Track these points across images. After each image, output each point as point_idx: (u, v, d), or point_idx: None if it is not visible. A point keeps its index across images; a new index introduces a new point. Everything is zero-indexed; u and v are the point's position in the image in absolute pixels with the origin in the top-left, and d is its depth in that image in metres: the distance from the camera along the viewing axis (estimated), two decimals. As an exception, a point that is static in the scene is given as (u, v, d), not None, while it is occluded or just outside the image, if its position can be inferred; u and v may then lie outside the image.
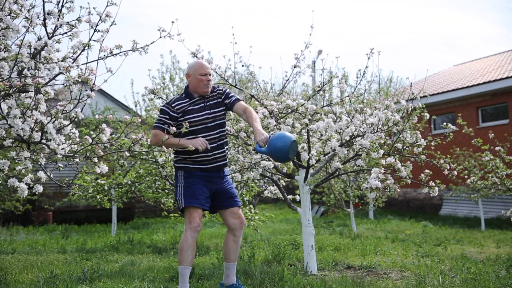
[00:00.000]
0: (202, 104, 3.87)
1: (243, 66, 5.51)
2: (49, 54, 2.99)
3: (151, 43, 3.32)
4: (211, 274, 4.64)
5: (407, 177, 4.42)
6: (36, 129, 2.98)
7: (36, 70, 3.02)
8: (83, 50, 3.07)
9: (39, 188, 3.08)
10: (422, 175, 4.28)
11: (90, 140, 3.20)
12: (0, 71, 2.88)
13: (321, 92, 5.08)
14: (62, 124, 3.08)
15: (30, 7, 3.15)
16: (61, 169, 3.40)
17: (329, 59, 17.22)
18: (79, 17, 3.12)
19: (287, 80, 5.33)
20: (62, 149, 3.13)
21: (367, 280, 4.43)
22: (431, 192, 4.30)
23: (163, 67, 15.43)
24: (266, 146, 3.65)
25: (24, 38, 3.00)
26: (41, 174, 3.11)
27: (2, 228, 10.21)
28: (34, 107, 2.98)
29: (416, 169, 5.73)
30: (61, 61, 2.97)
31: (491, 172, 6.65)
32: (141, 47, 3.26)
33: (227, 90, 4.01)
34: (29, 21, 3.05)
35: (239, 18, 53.82)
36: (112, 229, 9.17)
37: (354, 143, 4.77)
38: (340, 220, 12.26)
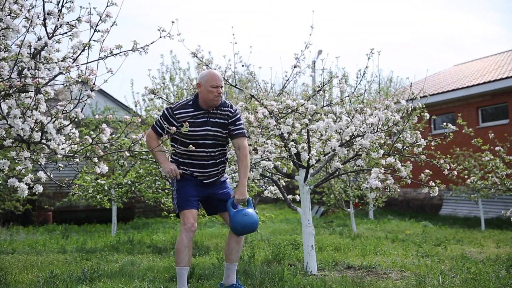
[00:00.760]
0: (205, 119, 3.78)
1: (243, 66, 5.51)
2: (49, 54, 2.99)
3: (151, 43, 3.31)
4: (211, 274, 4.64)
5: (407, 177, 4.42)
6: (36, 129, 2.98)
7: (36, 70, 3.02)
8: (83, 50, 3.07)
9: (39, 188, 3.07)
10: (422, 175, 4.28)
11: (90, 140, 3.20)
12: (0, 71, 2.88)
13: (321, 92, 5.08)
14: (62, 124, 3.08)
15: (30, 7, 3.15)
16: (61, 169, 3.40)
17: (329, 59, 17.22)
18: (79, 17, 3.12)
19: (287, 80, 5.33)
20: (62, 149, 3.13)
21: (367, 280, 4.43)
22: (431, 192, 4.30)
23: (163, 67, 15.43)
24: (237, 210, 3.74)
25: (24, 38, 3.00)
26: (41, 174, 3.11)
27: (2, 228, 10.21)
28: (34, 107, 2.98)
29: (416, 169, 5.73)
30: (61, 61, 2.97)
31: (491, 172, 6.65)
32: (141, 47, 3.25)
33: (238, 116, 3.87)
34: (29, 21, 3.05)
35: (239, 18, 53.81)
36: (112, 229, 9.16)
37: (354, 143, 4.77)
38: (340, 220, 12.26)
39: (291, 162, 5.23)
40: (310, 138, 4.89)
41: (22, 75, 2.93)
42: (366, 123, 4.69)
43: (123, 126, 10.96)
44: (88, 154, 3.20)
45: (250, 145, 4.87)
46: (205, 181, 3.84)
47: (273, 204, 18.13)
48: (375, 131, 4.68)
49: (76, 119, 3.10)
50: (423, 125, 10.31)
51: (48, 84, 3.04)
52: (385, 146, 4.89)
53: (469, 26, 49.94)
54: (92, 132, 3.29)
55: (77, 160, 3.26)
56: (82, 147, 3.22)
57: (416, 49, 46.80)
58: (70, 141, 3.23)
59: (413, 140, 4.70)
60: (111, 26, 3.15)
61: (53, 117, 3.00)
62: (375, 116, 4.70)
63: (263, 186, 5.76)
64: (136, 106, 13.87)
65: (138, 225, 11.31)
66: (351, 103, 5.34)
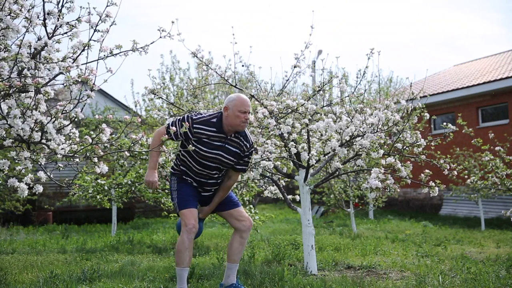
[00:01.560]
0: (221, 144, 3.70)
1: (243, 66, 5.51)
2: (49, 54, 2.99)
3: (151, 43, 3.31)
4: (211, 274, 4.64)
5: (407, 177, 4.42)
6: (36, 129, 2.98)
7: (36, 70, 3.02)
8: (83, 50, 3.07)
9: (39, 188, 3.07)
10: (422, 175, 4.28)
11: (90, 140, 3.20)
12: (0, 71, 2.88)
13: (321, 92, 5.08)
14: (62, 124, 3.08)
15: (30, 7, 3.15)
16: (61, 169, 3.40)
17: (329, 59, 17.21)
18: (79, 17, 3.12)
19: (287, 80, 5.33)
20: (62, 149, 3.13)
21: (367, 280, 4.43)
22: (431, 192, 4.30)
23: (163, 67, 15.47)
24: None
25: (24, 38, 3.00)
26: (41, 174, 3.11)
27: (2, 228, 10.21)
28: (34, 107, 2.98)
29: (416, 169, 5.73)
30: (61, 61, 2.97)
31: (491, 172, 6.65)
32: (141, 47, 3.25)
33: (251, 151, 3.84)
34: (29, 21, 3.05)
35: (239, 18, 53.81)
36: (112, 229, 9.16)
37: (354, 143, 4.77)
38: (340, 220, 12.26)
39: (291, 162, 5.23)
40: (310, 138, 4.89)
41: (22, 75, 2.93)
42: (366, 123, 4.69)
43: (123, 126, 10.96)
44: (88, 154, 3.20)
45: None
46: (202, 194, 3.89)
47: (273, 204, 18.13)
48: (375, 131, 4.68)
49: (76, 119, 3.10)
50: (423, 125, 10.32)
51: (48, 84, 3.04)
52: (385, 146, 4.89)
53: (469, 26, 49.97)
54: (92, 132, 3.29)
55: (77, 160, 3.26)
56: (82, 147, 3.22)
57: (416, 49, 46.82)
58: (70, 141, 3.23)
59: (413, 140, 4.70)
60: (110, 26, 3.15)
61: (53, 117, 3.00)
62: (375, 116, 4.70)
63: (263, 186, 5.76)
64: (136, 106, 13.89)
65: (138, 225, 11.31)
66: (351, 103, 5.34)
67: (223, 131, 3.69)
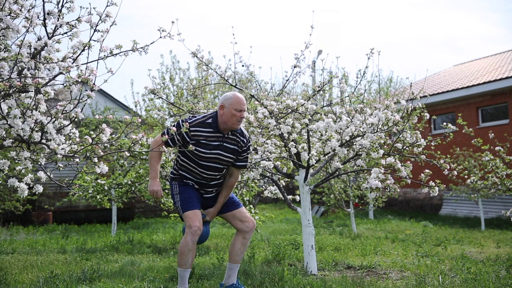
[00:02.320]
0: (219, 143, 3.72)
1: (243, 66, 5.51)
2: (49, 54, 2.98)
3: (151, 43, 3.31)
4: (211, 274, 4.64)
5: (407, 177, 4.42)
6: (36, 129, 2.97)
7: (36, 70, 3.02)
8: (83, 50, 3.07)
9: (39, 188, 3.07)
10: (422, 175, 4.28)
11: (90, 140, 3.20)
12: (0, 71, 2.88)
13: (321, 92, 5.08)
14: (62, 124, 3.07)
15: (30, 7, 3.15)
16: (61, 169, 3.40)
17: (329, 59, 17.26)
18: (79, 17, 3.12)
19: (287, 80, 5.33)
20: (62, 149, 3.13)
21: (367, 280, 4.43)
22: (431, 192, 4.30)
23: (163, 67, 15.45)
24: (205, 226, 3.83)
25: (24, 38, 3.00)
26: (41, 174, 3.11)
27: (2, 228, 10.22)
28: (34, 107, 2.98)
29: (416, 169, 5.73)
30: (61, 61, 2.97)
31: (491, 172, 6.65)
32: (141, 47, 3.25)
33: (249, 146, 3.86)
34: (29, 21, 3.05)
35: (239, 18, 53.81)
36: (112, 229, 9.17)
37: (354, 143, 4.77)
38: (340, 220, 12.26)
39: (291, 162, 5.23)
40: (310, 138, 4.89)
41: (22, 75, 2.93)
42: (366, 123, 4.69)
43: (123, 126, 10.97)
44: (88, 154, 3.20)
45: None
46: (204, 195, 3.88)
47: (273, 204, 18.13)
48: (375, 131, 4.68)
49: (76, 119, 3.10)
50: (423, 125, 10.31)
51: (48, 84, 3.04)
52: (385, 146, 4.89)
53: (469, 26, 49.96)
54: (92, 132, 3.29)
55: (77, 160, 3.26)
56: (82, 147, 3.22)
57: (416, 49, 46.83)
58: (70, 141, 3.23)
59: (413, 140, 4.70)
60: (110, 26, 3.14)
61: (53, 117, 3.00)
62: (375, 116, 4.70)
63: (263, 186, 5.75)
64: (136, 106, 13.90)
65: (138, 225, 11.31)
66: (351, 103, 5.34)
67: (220, 130, 3.71)
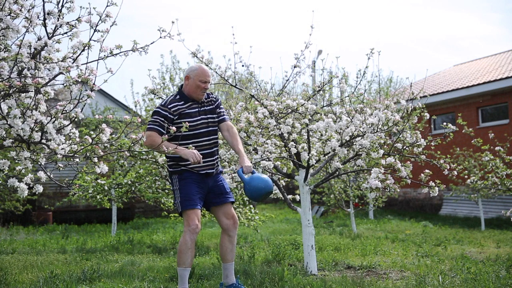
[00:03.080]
0: (197, 109, 3.86)
1: (243, 66, 5.51)
2: (49, 54, 2.98)
3: (151, 43, 3.31)
4: (211, 274, 4.64)
5: (407, 177, 4.42)
6: (36, 129, 2.97)
7: (36, 70, 3.01)
8: (83, 50, 3.06)
9: (39, 188, 3.07)
10: (422, 175, 4.28)
11: (90, 140, 3.20)
12: (0, 71, 2.88)
13: (321, 92, 5.08)
14: (62, 124, 3.07)
15: (30, 7, 3.15)
16: (61, 169, 3.39)
17: (329, 59, 17.26)
18: (79, 17, 3.12)
19: (287, 80, 5.33)
20: (62, 149, 3.13)
21: (367, 280, 4.43)
22: (431, 192, 4.30)
23: (163, 67, 15.44)
24: (249, 176, 3.80)
25: (24, 38, 3.00)
26: (41, 174, 3.11)
27: (2, 228, 10.22)
28: (34, 107, 2.98)
29: (416, 169, 5.73)
30: (61, 61, 2.97)
31: (491, 172, 6.65)
32: (141, 47, 3.25)
33: (219, 101, 4.03)
34: (29, 21, 3.04)
35: (239, 18, 53.81)
36: (112, 229, 9.17)
37: (354, 143, 4.77)
38: (340, 220, 12.26)
39: (291, 162, 5.23)
40: (310, 138, 4.89)
41: (22, 75, 2.93)
42: (366, 123, 4.69)
43: (123, 126, 10.96)
44: (88, 154, 3.20)
45: (250, 145, 4.88)
46: (208, 171, 3.82)
47: (273, 204, 18.13)
48: (375, 131, 4.68)
49: (76, 119, 3.10)
50: (423, 125, 10.31)
51: (48, 84, 3.03)
52: (385, 146, 4.89)
53: (469, 26, 49.96)
54: (92, 132, 3.29)
55: (77, 160, 3.26)
56: (82, 147, 3.22)
57: (416, 49, 46.83)
58: (70, 141, 3.23)
59: (413, 140, 4.70)
60: (110, 26, 3.14)
61: (53, 117, 3.00)
62: (375, 116, 4.70)
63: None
64: (136, 106, 13.88)
65: (138, 225, 11.32)
66: (351, 103, 5.34)
67: (189, 100, 3.85)
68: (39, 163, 3.19)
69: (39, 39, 3.09)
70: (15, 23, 2.96)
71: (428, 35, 45.76)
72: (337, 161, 5.04)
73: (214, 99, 3.99)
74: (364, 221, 11.77)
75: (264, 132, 4.87)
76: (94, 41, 3.11)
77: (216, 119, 3.95)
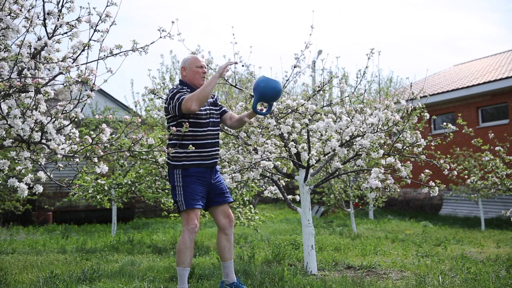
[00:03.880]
0: None
1: (243, 66, 5.51)
2: (49, 54, 2.98)
3: (151, 43, 3.31)
4: (211, 274, 4.64)
5: (407, 177, 4.42)
6: (36, 129, 2.97)
7: (36, 70, 3.01)
8: (83, 50, 3.06)
9: (39, 188, 3.07)
10: (422, 175, 4.28)
11: (90, 140, 3.20)
12: (0, 71, 2.88)
13: (321, 92, 5.07)
14: (62, 124, 3.07)
15: (30, 7, 3.15)
16: (61, 169, 3.39)
17: (329, 59, 17.25)
18: (79, 17, 3.12)
19: (287, 80, 5.32)
20: (62, 149, 3.13)
21: (367, 280, 4.43)
22: (431, 192, 4.30)
23: (163, 67, 15.45)
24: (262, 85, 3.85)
25: (24, 38, 3.00)
26: (41, 174, 3.11)
27: (2, 228, 10.22)
28: (34, 107, 2.98)
29: (416, 169, 5.73)
30: (61, 61, 2.97)
31: (491, 172, 6.64)
32: (141, 47, 3.25)
33: (217, 95, 4.14)
34: (29, 21, 3.04)
35: (239, 18, 53.80)
36: (112, 229, 9.17)
37: (354, 143, 4.77)
38: (340, 220, 12.26)
39: (291, 162, 5.23)
40: (310, 138, 4.89)
41: (22, 75, 2.93)
42: (366, 123, 4.69)
43: (123, 126, 10.96)
44: (88, 154, 3.20)
45: (250, 145, 4.88)
46: (211, 161, 3.86)
47: (273, 204, 18.13)
48: (375, 131, 4.68)
49: (76, 119, 3.10)
50: (423, 125, 10.31)
51: (48, 84, 3.04)
52: (385, 146, 4.89)
53: (469, 26, 49.96)
54: (92, 132, 3.29)
55: (77, 160, 3.26)
56: (82, 147, 3.22)
57: (416, 49, 46.83)
58: (70, 141, 3.23)
59: (413, 140, 4.70)
60: (110, 26, 3.14)
61: (53, 117, 3.00)
62: (375, 116, 4.70)
63: (263, 186, 5.75)
64: (136, 106, 13.90)
65: (138, 225, 11.32)
66: (351, 103, 5.33)
67: (194, 89, 3.91)
68: (39, 163, 3.20)
69: (39, 39, 3.09)
70: (15, 23, 2.96)
71: (428, 35, 45.77)
72: (337, 161, 5.04)
73: (213, 94, 4.06)
74: (364, 221, 11.77)
75: (264, 132, 4.87)
76: (94, 41, 3.11)
77: (218, 111, 4.03)
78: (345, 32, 49.30)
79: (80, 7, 3.13)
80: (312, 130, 4.80)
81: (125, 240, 7.50)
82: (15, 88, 2.90)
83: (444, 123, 4.65)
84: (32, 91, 2.98)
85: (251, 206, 7.70)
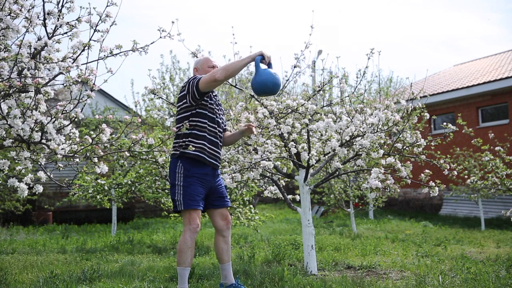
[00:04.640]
0: (215, 99, 3.99)
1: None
2: (49, 54, 2.98)
3: (151, 43, 3.31)
4: (211, 274, 4.64)
5: (407, 177, 4.42)
6: (36, 129, 2.97)
7: (36, 70, 3.01)
8: (83, 50, 3.06)
9: (39, 188, 3.07)
10: (422, 175, 4.28)
11: (90, 140, 3.20)
12: (0, 71, 2.88)
13: (321, 92, 5.07)
14: (62, 124, 3.07)
15: (30, 7, 3.15)
16: (61, 169, 3.39)
17: (329, 59, 17.26)
18: (79, 17, 3.12)
19: (287, 80, 5.32)
20: (62, 149, 3.13)
21: (367, 280, 4.43)
22: (431, 192, 4.30)
23: (163, 67, 15.43)
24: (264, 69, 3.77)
25: (24, 38, 3.00)
26: (41, 174, 3.11)
27: (2, 228, 10.22)
28: (34, 107, 2.98)
29: (416, 169, 5.73)
30: (61, 61, 2.97)
31: (491, 172, 6.64)
32: (141, 47, 3.25)
33: (216, 94, 4.19)
34: (29, 21, 3.04)
35: (239, 18, 53.80)
36: (112, 229, 9.17)
37: (354, 143, 4.77)
38: (340, 220, 12.26)
39: (291, 162, 5.23)
40: (310, 138, 4.89)
41: (22, 75, 2.93)
42: (366, 123, 4.69)
43: (123, 126, 10.97)
44: (88, 154, 3.20)
45: (250, 145, 4.88)
46: (217, 162, 3.89)
47: (273, 204, 18.13)
48: (375, 131, 4.68)
49: (76, 119, 3.10)
50: (423, 125, 10.31)
51: (48, 84, 3.04)
52: (385, 146, 4.89)
53: (469, 26, 49.96)
54: (92, 132, 3.29)
55: (77, 160, 3.26)
56: (82, 147, 3.22)
57: (416, 49, 46.84)
58: (70, 141, 3.23)
59: (413, 140, 4.70)
60: (110, 26, 3.14)
61: (53, 117, 3.00)
62: (375, 116, 4.70)
63: (263, 186, 5.75)
64: (136, 106, 13.90)
65: (138, 225, 11.32)
66: (351, 103, 5.33)
67: None
68: (39, 163, 3.20)
69: (39, 39, 3.09)
70: (15, 23, 2.96)
71: (428, 35, 45.77)
72: (337, 161, 5.04)
73: (217, 97, 4.12)
74: (364, 221, 11.77)
75: (264, 132, 4.87)
76: (94, 41, 3.11)
77: (223, 116, 4.09)
78: (345, 32, 49.31)
79: (80, 7, 3.13)
80: (312, 130, 4.80)
81: (125, 240, 7.50)
82: (15, 88, 2.90)
83: (444, 123, 4.65)
84: (32, 91, 2.98)
85: (251, 206, 7.69)
